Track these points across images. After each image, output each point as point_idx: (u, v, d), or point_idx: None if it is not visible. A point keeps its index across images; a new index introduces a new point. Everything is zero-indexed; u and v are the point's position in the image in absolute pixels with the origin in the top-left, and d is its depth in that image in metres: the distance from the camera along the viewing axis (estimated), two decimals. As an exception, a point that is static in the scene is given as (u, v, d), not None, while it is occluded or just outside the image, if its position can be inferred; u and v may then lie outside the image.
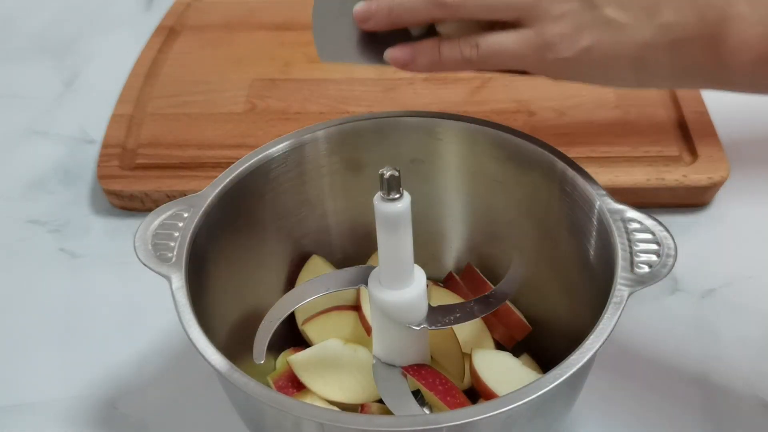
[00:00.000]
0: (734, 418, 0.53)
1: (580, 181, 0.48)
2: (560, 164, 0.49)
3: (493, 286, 0.54)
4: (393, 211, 0.43)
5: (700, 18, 0.42)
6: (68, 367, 0.58)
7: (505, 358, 0.52)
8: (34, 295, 0.63)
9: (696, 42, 0.42)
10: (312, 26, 0.50)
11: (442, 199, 0.56)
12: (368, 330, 0.52)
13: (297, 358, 0.51)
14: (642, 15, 0.43)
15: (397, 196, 0.43)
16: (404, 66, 0.48)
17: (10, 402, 0.56)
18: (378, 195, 0.43)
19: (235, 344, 0.47)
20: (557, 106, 0.72)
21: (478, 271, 0.56)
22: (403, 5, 0.47)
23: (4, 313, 0.62)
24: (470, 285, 0.56)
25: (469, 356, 0.51)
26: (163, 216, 0.48)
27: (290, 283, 0.55)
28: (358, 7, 0.48)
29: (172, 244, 0.46)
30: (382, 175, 0.42)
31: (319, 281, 0.50)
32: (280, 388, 0.50)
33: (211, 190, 0.49)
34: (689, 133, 0.69)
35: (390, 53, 0.48)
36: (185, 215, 0.47)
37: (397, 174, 0.42)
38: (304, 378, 0.50)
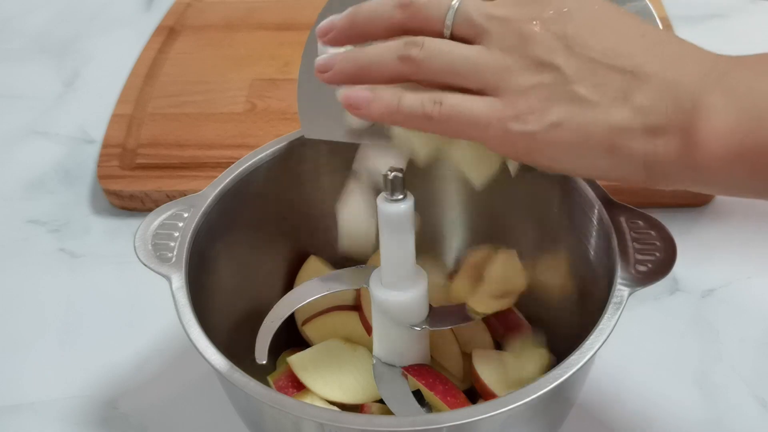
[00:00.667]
0: (734, 418, 0.53)
1: (580, 181, 0.48)
2: (560, 164, 0.49)
3: (493, 287, 0.54)
4: (396, 212, 0.43)
5: (675, 104, 0.38)
6: (68, 367, 0.58)
7: (506, 358, 0.52)
8: (34, 295, 0.63)
9: (670, 130, 0.38)
10: (297, 104, 0.50)
11: (442, 199, 0.56)
12: (368, 330, 0.52)
13: (297, 358, 0.51)
14: (616, 95, 0.39)
15: (401, 196, 0.43)
16: (357, 109, 0.42)
17: (10, 402, 0.56)
18: (382, 195, 0.44)
19: (235, 344, 0.47)
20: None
21: (478, 271, 0.56)
22: (368, 57, 0.43)
23: (4, 313, 0.62)
24: (470, 285, 0.56)
25: (469, 356, 0.51)
26: (163, 216, 0.48)
27: (290, 283, 0.55)
28: (319, 59, 0.43)
29: (172, 244, 0.46)
30: (386, 175, 0.42)
31: (320, 281, 0.50)
32: (280, 388, 0.50)
33: (211, 190, 0.49)
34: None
35: (345, 92, 0.42)
36: (185, 215, 0.47)
37: (400, 175, 0.42)
38: (304, 378, 0.50)
